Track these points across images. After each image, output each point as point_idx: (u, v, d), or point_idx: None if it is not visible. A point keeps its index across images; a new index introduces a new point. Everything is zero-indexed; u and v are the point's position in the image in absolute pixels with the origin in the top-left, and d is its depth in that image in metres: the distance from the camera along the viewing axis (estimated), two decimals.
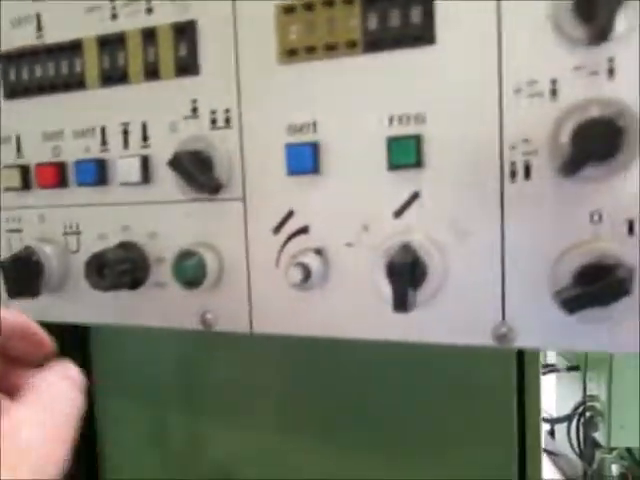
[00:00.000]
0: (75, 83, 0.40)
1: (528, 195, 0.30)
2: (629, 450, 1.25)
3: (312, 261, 0.34)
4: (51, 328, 0.44)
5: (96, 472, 0.61)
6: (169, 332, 0.42)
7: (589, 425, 1.24)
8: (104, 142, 0.40)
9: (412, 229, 0.33)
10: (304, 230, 0.35)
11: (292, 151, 0.34)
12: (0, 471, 0.21)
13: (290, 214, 0.35)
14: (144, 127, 0.39)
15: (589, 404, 1.22)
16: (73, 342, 0.59)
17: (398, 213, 0.33)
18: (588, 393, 1.22)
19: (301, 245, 0.35)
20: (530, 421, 0.45)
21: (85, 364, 0.60)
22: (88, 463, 0.61)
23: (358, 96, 0.33)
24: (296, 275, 0.33)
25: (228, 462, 0.55)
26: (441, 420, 0.46)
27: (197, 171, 0.35)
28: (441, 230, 0.32)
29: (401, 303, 0.30)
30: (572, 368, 1.28)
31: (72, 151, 0.41)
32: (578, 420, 1.27)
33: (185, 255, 0.37)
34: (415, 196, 0.33)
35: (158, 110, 0.38)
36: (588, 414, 1.24)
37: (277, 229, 0.36)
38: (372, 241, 0.33)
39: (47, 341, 0.30)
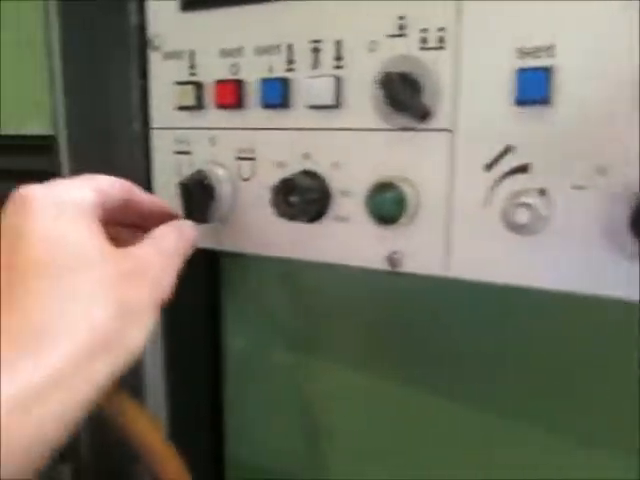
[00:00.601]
0: None
1: None
2: None
3: (536, 203, 0.30)
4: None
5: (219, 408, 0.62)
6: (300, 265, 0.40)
7: None
8: (290, 61, 0.37)
9: None
10: (523, 168, 0.31)
11: (524, 77, 0.30)
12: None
13: (508, 149, 0.32)
14: (338, 45, 0.35)
15: None
16: (203, 273, 0.59)
17: None
18: None
19: (518, 185, 0.31)
20: None
21: (215, 295, 0.60)
22: (212, 399, 0.62)
23: (614, 15, 0.28)
24: (523, 216, 0.30)
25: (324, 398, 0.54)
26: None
27: (407, 94, 0.32)
28: None
29: None
30: None
31: (252, 69, 0.38)
32: None
33: (383, 187, 0.34)
34: None
35: (357, 27, 0.34)
36: None
37: (490, 165, 0.32)
38: (609, 185, 0.29)
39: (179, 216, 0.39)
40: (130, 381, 0.52)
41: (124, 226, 0.37)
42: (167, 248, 0.33)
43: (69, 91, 0.44)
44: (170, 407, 0.55)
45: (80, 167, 0.45)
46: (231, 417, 0.61)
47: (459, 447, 0.47)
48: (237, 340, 0.60)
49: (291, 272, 0.55)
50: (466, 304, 0.45)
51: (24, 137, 0.46)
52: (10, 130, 0.46)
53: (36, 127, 0.44)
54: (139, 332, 0.28)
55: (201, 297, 0.60)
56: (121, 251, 0.30)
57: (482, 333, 0.45)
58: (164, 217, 0.38)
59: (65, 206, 0.29)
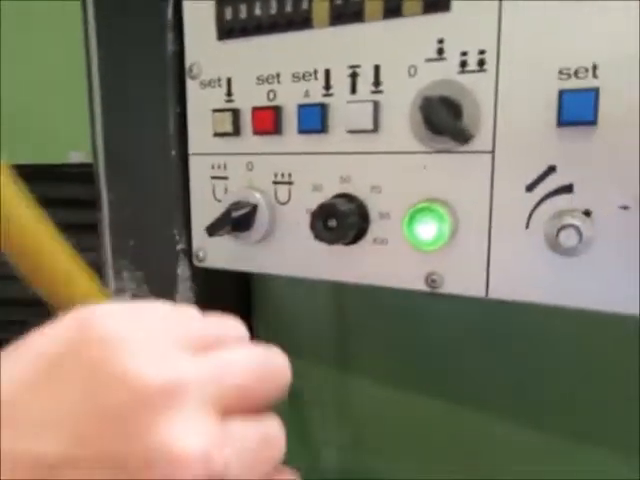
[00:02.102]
0: (300, 22, 0.37)
1: None
2: None
3: (582, 224, 0.30)
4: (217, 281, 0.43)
5: None
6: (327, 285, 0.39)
7: None
8: (327, 86, 0.37)
9: None
10: (567, 189, 0.31)
11: (568, 99, 0.30)
12: None
13: (551, 170, 0.32)
14: (377, 70, 0.36)
15: None
16: (236, 294, 0.59)
17: None
18: None
19: (559, 206, 0.31)
20: None
21: (248, 316, 0.60)
22: None
23: None
24: (571, 238, 0.29)
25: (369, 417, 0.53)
26: None
27: (447, 117, 0.32)
28: None
29: None
30: None
31: (289, 95, 0.39)
32: None
33: (422, 210, 0.34)
34: None
35: (395, 52, 0.35)
36: None
37: (532, 186, 0.32)
38: None
39: None
40: None
41: None
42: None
43: (107, 120, 0.45)
44: None
45: (118, 194, 0.45)
46: None
47: (482, 457, 0.48)
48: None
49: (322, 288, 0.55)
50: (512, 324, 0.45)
51: (65, 165, 0.47)
52: (52, 159, 0.47)
53: (76, 156, 0.45)
54: None
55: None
56: None
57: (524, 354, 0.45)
58: None
59: None
